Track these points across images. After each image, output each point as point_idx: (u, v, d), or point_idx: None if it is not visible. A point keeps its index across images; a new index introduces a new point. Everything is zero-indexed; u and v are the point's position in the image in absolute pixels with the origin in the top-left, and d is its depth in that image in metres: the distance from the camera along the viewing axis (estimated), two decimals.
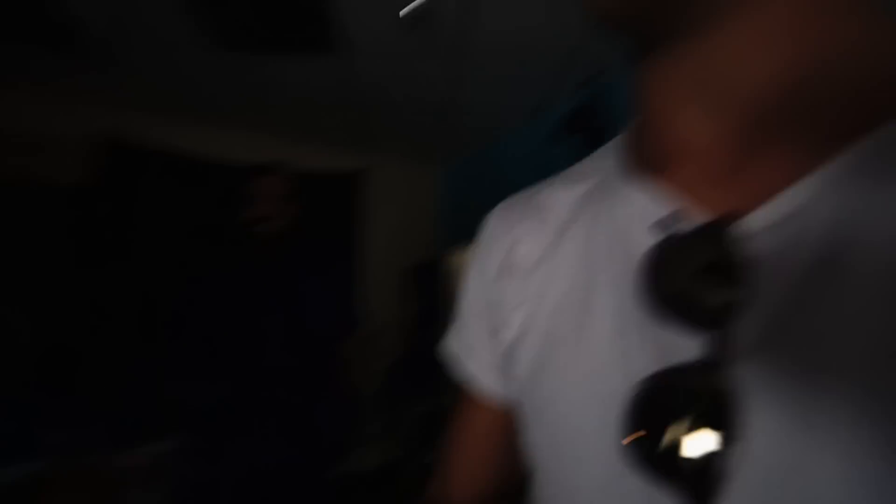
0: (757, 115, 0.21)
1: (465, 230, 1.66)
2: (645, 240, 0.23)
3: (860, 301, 0.17)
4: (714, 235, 0.20)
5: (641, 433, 0.20)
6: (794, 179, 0.20)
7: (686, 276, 0.20)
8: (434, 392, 2.18)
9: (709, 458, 0.18)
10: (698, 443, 0.18)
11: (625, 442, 0.21)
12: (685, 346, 0.21)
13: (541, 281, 0.30)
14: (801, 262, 0.19)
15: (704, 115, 0.22)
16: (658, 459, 0.19)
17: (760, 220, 0.20)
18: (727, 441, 0.18)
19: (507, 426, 0.34)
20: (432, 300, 2.50)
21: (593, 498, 0.24)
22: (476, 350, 0.35)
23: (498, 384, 0.34)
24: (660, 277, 0.21)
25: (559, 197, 0.32)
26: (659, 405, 0.20)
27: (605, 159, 0.31)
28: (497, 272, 0.33)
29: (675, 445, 0.19)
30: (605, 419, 0.23)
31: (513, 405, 0.33)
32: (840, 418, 0.17)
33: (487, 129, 2.38)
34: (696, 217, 0.22)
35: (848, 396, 0.17)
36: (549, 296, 0.29)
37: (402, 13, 1.37)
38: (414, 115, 2.21)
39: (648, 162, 0.26)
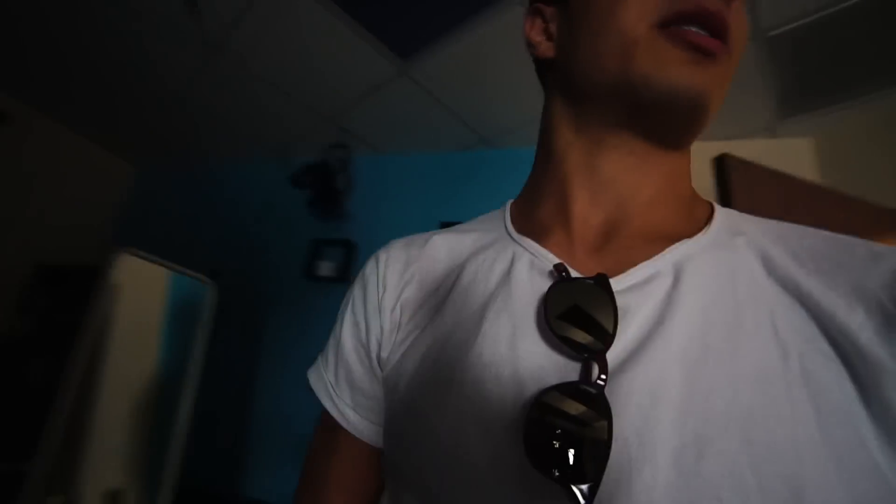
0: (626, 218, 0.34)
1: (145, 239, 1.70)
2: (528, 282, 0.32)
3: (682, 334, 0.27)
4: (595, 285, 0.29)
5: (539, 437, 0.24)
6: (643, 259, 0.31)
7: (571, 314, 0.28)
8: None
9: (590, 451, 0.23)
10: (588, 438, 0.24)
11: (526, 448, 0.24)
12: (569, 366, 0.28)
13: (429, 315, 0.35)
14: (645, 313, 0.28)
15: (596, 207, 0.35)
16: (552, 458, 0.24)
17: (623, 282, 0.30)
18: (608, 433, 0.23)
19: (370, 456, 0.37)
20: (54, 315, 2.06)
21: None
22: (348, 383, 0.38)
23: (366, 418, 0.37)
24: (549, 312, 0.28)
25: (452, 245, 0.39)
26: (552, 408, 0.25)
27: (490, 222, 0.41)
28: (384, 308, 0.37)
29: (565, 444, 0.24)
30: (498, 416, 0.27)
31: (381, 435, 0.36)
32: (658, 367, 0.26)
33: (206, 147, 2.41)
34: (574, 272, 0.31)
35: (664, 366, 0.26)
36: (437, 328, 0.33)
37: None
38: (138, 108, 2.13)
39: (532, 230, 0.36)
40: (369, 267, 0.41)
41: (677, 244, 0.31)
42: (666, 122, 0.32)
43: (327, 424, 0.38)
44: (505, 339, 0.30)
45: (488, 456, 0.26)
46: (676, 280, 0.29)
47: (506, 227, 0.38)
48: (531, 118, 1.94)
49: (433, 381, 0.31)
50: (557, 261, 0.32)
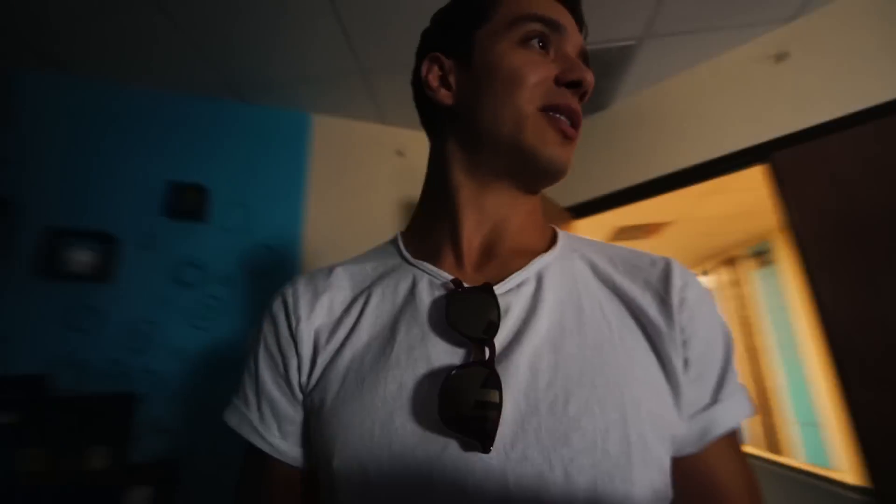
0: (501, 240, 0.46)
1: None
2: (430, 297, 0.42)
3: (546, 320, 0.39)
4: (483, 291, 0.40)
5: (453, 401, 0.34)
6: (515, 270, 0.43)
7: (466, 315, 0.38)
8: None
9: (489, 414, 0.33)
10: (485, 402, 0.34)
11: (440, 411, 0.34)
12: (461, 352, 0.38)
13: (345, 335, 0.41)
14: (520, 308, 0.40)
15: (479, 232, 0.46)
16: (463, 419, 0.34)
17: (502, 287, 0.42)
18: (500, 397, 0.34)
19: (297, 479, 0.41)
20: None
21: (411, 467, 0.34)
22: (274, 416, 0.41)
23: (294, 443, 0.41)
24: (451, 316, 0.38)
25: (353, 273, 0.46)
26: (460, 384, 0.35)
27: (384, 252, 0.48)
28: (300, 339, 0.41)
29: (470, 407, 0.34)
30: (419, 401, 0.36)
31: (305, 455, 0.41)
32: (530, 346, 0.38)
33: None
34: (467, 283, 0.42)
35: (536, 343, 0.38)
36: (354, 345, 0.40)
37: None
38: None
39: (427, 255, 0.46)
40: (276, 305, 0.45)
41: (537, 258, 0.44)
42: (538, 179, 0.45)
43: (256, 457, 0.41)
44: (417, 343, 0.39)
45: (417, 436, 0.35)
46: (539, 283, 0.43)
47: (402, 255, 0.47)
48: (293, 80, 1.66)
49: (359, 387, 0.37)
50: (452, 277, 0.43)
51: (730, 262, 5.28)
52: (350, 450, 0.35)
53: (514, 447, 0.33)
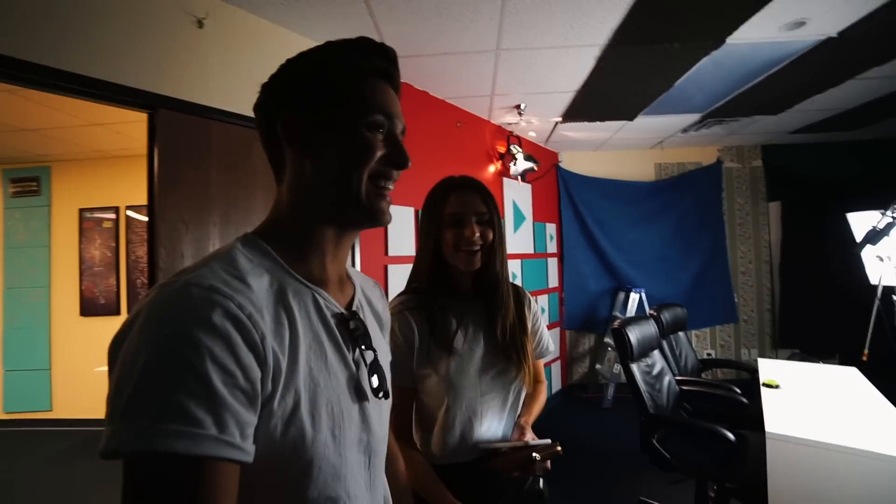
0: (342, 272, 0.64)
1: None
2: (331, 317, 0.56)
3: (376, 314, 0.71)
4: (350, 311, 0.61)
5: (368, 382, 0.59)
6: (352, 293, 0.65)
7: (345, 328, 0.58)
8: None
9: (382, 383, 0.61)
10: (375, 379, 0.60)
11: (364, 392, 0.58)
12: (352, 355, 0.58)
13: (292, 345, 0.49)
14: (365, 313, 0.66)
15: (334, 268, 0.61)
16: (371, 388, 0.59)
17: (354, 304, 0.64)
18: (381, 376, 0.61)
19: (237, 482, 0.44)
20: None
21: (352, 437, 0.54)
22: (237, 424, 0.41)
23: (254, 442, 0.44)
24: (344, 330, 0.57)
25: (262, 288, 0.49)
26: (378, 370, 0.61)
27: (261, 265, 0.52)
28: (265, 348, 0.45)
29: (371, 381, 0.59)
30: (348, 394, 0.55)
31: (265, 448, 0.45)
32: (385, 351, 0.69)
33: None
34: (340, 305, 0.60)
35: (381, 343, 0.68)
36: (300, 357, 0.49)
37: None
38: None
39: (314, 280, 0.56)
40: (219, 318, 0.42)
41: (357, 285, 0.67)
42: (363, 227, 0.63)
43: (209, 472, 0.40)
44: (336, 352, 0.55)
45: (356, 410, 0.56)
46: (367, 299, 0.69)
47: (294, 276, 0.54)
48: None
49: (318, 387, 0.51)
50: (339, 307, 0.58)
51: None
52: (324, 430, 0.50)
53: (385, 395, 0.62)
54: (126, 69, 1.52)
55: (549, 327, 4.17)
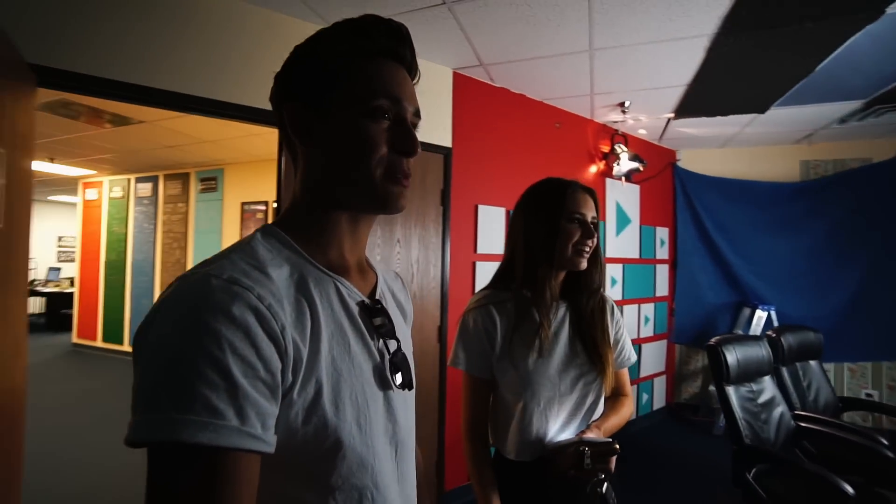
0: (362, 259, 0.64)
1: None
2: (354, 306, 0.55)
3: (399, 305, 0.70)
4: (373, 300, 0.60)
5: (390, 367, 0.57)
6: (374, 282, 0.64)
7: (369, 317, 0.56)
8: None
9: (407, 375, 0.59)
10: (401, 367, 0.59)
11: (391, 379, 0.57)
12: (377, 344, 0.58)
13: (315, 335, 0.48)
14: (387, 302, 0.64)
15: (353, 255, 0.60)
16: (397, 379, 0.58)
17: (377, 292, 0.63)
18: (409, 364, 0.62)
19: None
20: None
21: (378, 427, 0.53)
22: (258, 416, 0.41)
23: (272, 433, 0.43)
24: (367, 319, 0.56)
25: (282, 278, 0.49)
26: (401, 362, 0.59)
27: (280, 255, 0.51)
28: (286, 340, 0.44)
29: (393, 367, 0.58)
30: (373, 383, 0.54)
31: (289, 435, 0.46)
32: (408, 342, 0.66)
33: None
34: (362, 293, 0.59)
35: (404, 333, 0.65)
36: (322, 347, 0.49)
37: None
38: None
39: (334, 269, 0.55)
40: (240, 310, 0.42)
41: (377, 276, 0.66)
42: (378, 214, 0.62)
43: (229, 464, 0.40)
44: (361, 340, 0.55)
45: (380, 399, 0.55)
46: (390, 290, 0.68)
47: (314, 265, 0.53)
48: None
49: (342, 375, 0.50)
50: (361, 296, 0.57)
51: (179, 177, 5.36)
52: (349, 419, 0.49)
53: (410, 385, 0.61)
54: (264, 95, 1.93)
55: (655, 339, 3.86)
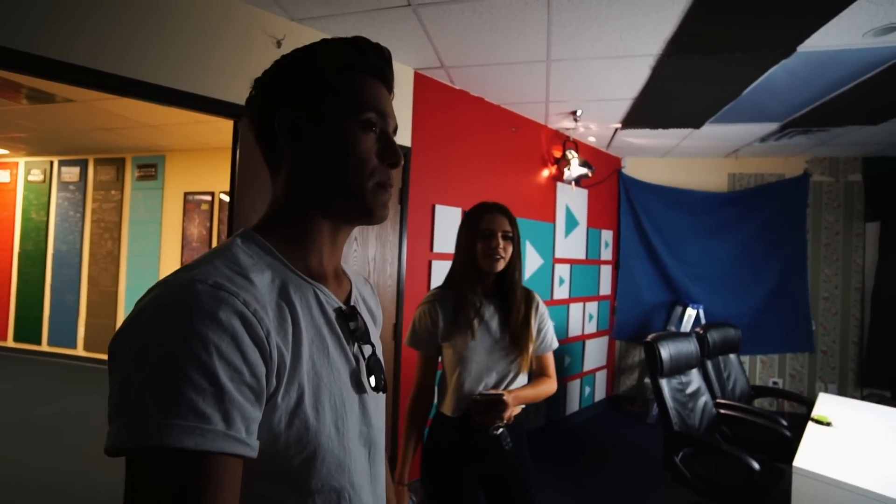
0: (339, 267, 0.65)
1: None
2: (332, 310, 0.57)
3: (370, 311, 0.71)
4: (349, 306, 0.60)
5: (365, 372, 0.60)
6: (349, 289, 0.65)
7: (345, 323, 0.58)
8: None
9: (381, 378, 0.62)
10: (375, 371, 0.61)
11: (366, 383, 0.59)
12: (362, 346, 0.61)
13: (296, 341, 0.49)
14: (361, 308, 0.65)
15: (331, 263, 0.61)
16: (370, 383, 0.60)
17: (352, 298, 0.64)
18: (379, 371, 0.62)
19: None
20: None
21: (353, 430, 0.55)
22: (243, 420, 0.41)
23: (255, 437, 0.43)
24: (344, 325, 0.58)
25: (265, 283, 0.49)
26: (375, 366, 0.61)
27: (261, 261, 0.52)
28: (270, 344, 0.45)
29: (368, 372, 0.60)
30: (350, 387, 0.56)
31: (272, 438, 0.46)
32: (379, 346, 0.66)
33: None
34: (339, 300, 0.60)
35: (377, 339, 0.67)
36: (303, 351, 0.50)
37: None
38: None
39: (312, 276, 0.56)
40: (227, 315, 0.42)
41: (351, 283, 0.67)
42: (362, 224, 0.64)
43: (212, 468, 0.39)
44: (338, 345, 0.56)
45: (356, 402, 0.56)
46: (361, 296, 0.69)
47: (294, 272, 0.54)
48: None
49: (321, 379, 0.51)
50: (338, 302, 0.59)
51: (112, 162, 4.94)
52: (328, 423, 0.51)
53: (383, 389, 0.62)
54: (218, 84, 1.84)
55: (597, 335, 4.11)
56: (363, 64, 0.57)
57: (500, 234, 1.32)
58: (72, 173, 5.05)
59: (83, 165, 5.00)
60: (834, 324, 3.99)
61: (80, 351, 4.94)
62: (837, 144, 3.65)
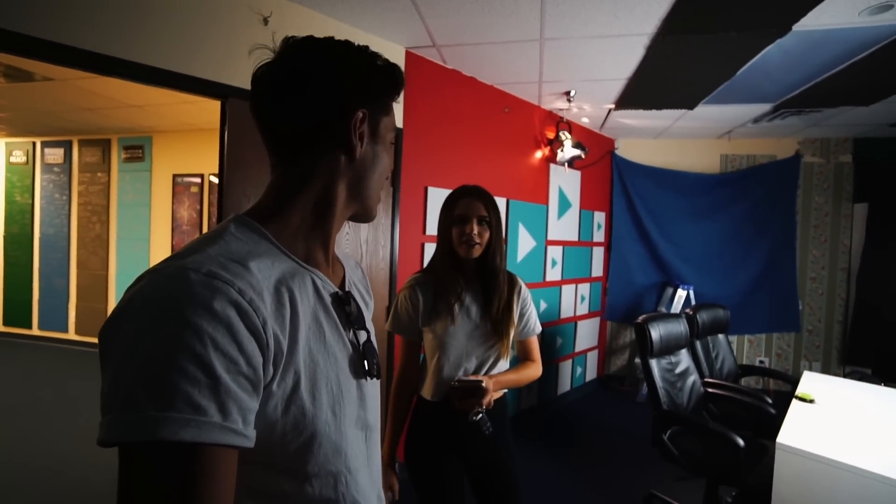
0: (333, 254, 0.65)
1: None
2: (327, 297, 0.57)
3: (361, 296, 0.70)
4: (345, 291, 0.62)
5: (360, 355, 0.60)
6: (342, 274, 0.66)
7: (341, 309, 0.58)
8: None
9: (375, 362, 0.62)
10: (369, 356, 0.61)
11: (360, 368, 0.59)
12: (357, 332, 0.61)
13: (292, 326, 0.48)
14: (354, 293, 0.65)
15: (326, 250, 0.60)
16: (365, 368, 0.60)
17: (346, 284, 0.65)
18: (373, 356, 0.62)
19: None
20: None
21: (350, 414, 0.56)
22: (239, 411, 0.41)
23: (251, 427, 0.43)
24: (340, 310, 0.58)
25: (262, 270, 0.48)
26: (369, 351, 0.62)
27: (260, 247, 0.51)
28: (267, 333, 0.44)
29: (364, 357, 0.60)
30: (347, 372, 0.57)
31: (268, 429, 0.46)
32: (373, 332, 0.66)
33: None
34: (334, 286, 0.60)
35: (370, 324, 0.66)
36: (300, 337, 0.49)
37: None
38: None
39: (310, 262, 0.57)
40: (222, 305, 0.41)
41: (344, 267, 0.68)
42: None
43: (208, 459, 0.39)
44: (335, 330, 0.56)
45: (353, 387, 0.57)
46: (354, 283, 0.69)
47: (291, 257, 0.54)
48: None
49: (318, 365, 0.52)
50: (334, 288, 0.59)
51: (98, 143, 4.83)
52: (325, 408, 0.51)
53: (378, 374, 0.63)
54: (204, 63, 1.79)
55: (589, 316, 4.16)
56: (396, 88, 0.61)
57: (475, 220, 1.28)
58: (56, 155, 4.93)
59: (67, 147, 4.88)
60: (820, 303, 4.07)
61: (71, 335, 4.91)
62: (829, 125, 3.65)
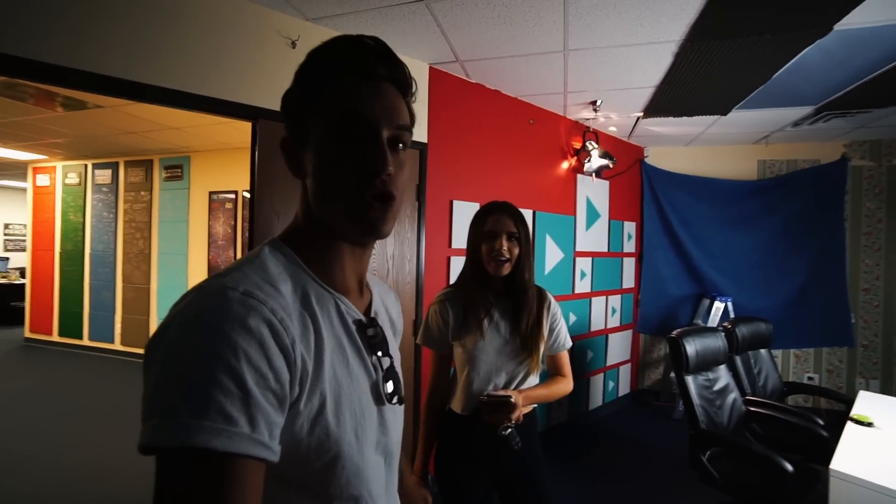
0: (363, 280, 0.64)
1: None
2: (352, 321, 0.57)
3: (391, 322, 0.71)
4: (369, 318, 0.61)
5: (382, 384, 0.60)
6: (369, 300, 0.65)
7: (364, 334, 0.58)
8: None
9: (400, 390, 0.63)
10: (390, 385, 0.61)
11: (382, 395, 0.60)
12: (381, 358, 0.61)
13: (317, 348, 0.50)
14: (382, 320, 0.66)
15: (355, 277, 0.61)
16: (388, 392, 0.60)
17: (371, 311, 0.64)
18: (398, 377, 0.64)
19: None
20: None
21: (371, 439, 0.56)
22: (266, 424, 0.42)
23: (277, 442, 0.44)
24: (364, 336, 0.58)
25: (287, 292, 0.50)
26: (393, 376, 0.62)
27: (285, 272, 0.52)
28: (295, 351, 0.46)
29: (386, 383, 0.61)
30: (369, 397, 0.57)
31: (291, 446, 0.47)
32: (398, 358, 0.67)
33: None
34: (360, 312, 0.60)
35: (395, 350, 0.67)
36: (325, 360, 0.50)
37: None
38: None
39: (337, 288, 0.57)
40: (256, 322, 0.43)
41: (375, 291, 0.68)
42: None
43: (237, 471, 0.40)
44: (358, 356, 0.57)
45: (374, 412, 0.57)
46: (384, 305, 0.70)
47: (317, 282, 0.55)
48: None
49: (342, 388, 0.52)
50: (359, 314, 0.59)
51: (141, 164, 5.12)
52: (349, 431, 0.51)
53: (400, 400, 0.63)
54: (235, 87, 1.87)
55: (621, 329, 4.03)
56: (338, 68, 0.53)
57: (504, 236, 1.29)
58: (104, 175, 5.27)
59: (114, 168, 5.21)
60: (875, 316, 3.79)
61: (117, 345, 5.17)
62: (880, 126, 3.43)
